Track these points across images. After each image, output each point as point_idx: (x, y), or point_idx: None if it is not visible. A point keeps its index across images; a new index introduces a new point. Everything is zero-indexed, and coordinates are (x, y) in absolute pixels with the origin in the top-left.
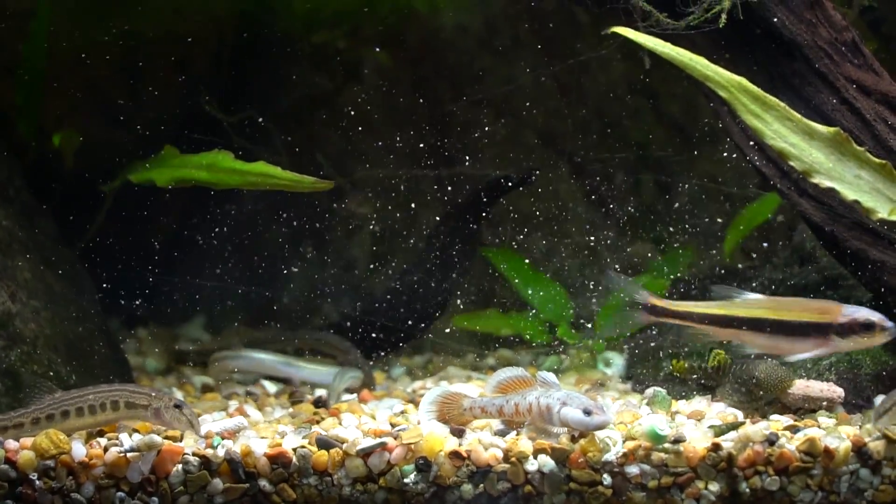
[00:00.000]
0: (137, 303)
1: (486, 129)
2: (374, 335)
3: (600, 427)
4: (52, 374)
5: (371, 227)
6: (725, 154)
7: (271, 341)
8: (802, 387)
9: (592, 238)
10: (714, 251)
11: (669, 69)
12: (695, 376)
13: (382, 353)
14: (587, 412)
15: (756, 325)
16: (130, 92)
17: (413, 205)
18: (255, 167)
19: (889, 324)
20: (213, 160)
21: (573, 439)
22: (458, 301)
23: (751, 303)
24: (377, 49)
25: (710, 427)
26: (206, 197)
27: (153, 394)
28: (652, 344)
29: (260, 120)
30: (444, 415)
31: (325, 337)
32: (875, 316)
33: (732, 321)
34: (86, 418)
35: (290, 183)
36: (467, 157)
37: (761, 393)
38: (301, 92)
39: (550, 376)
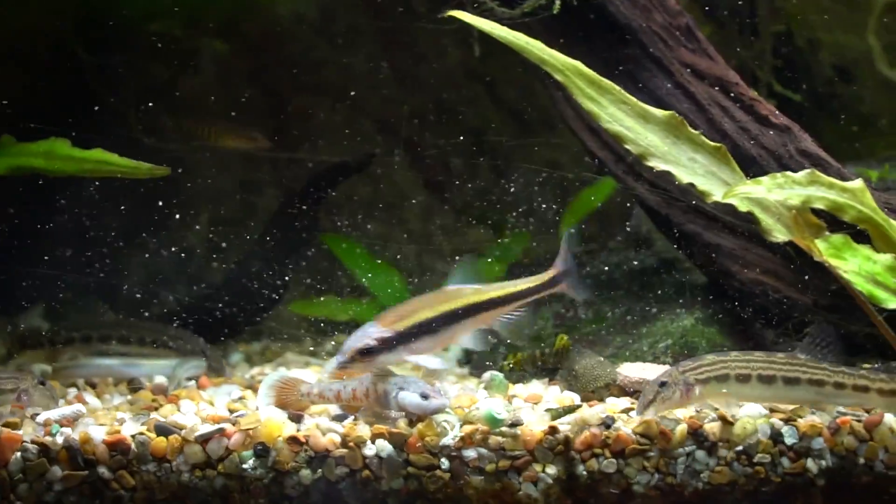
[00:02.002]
0: None
1: (323, 116)
2: (211, 322)
3: (437, 411)
4: None
5: (209, 213)
6: (561, 139)
7: (113, 329)
8: (639, 370)
9: (430, 224)
10: (551, 236)
11: (505, 54)
12: (538, 364)
13: (220, 340)
14: (424, 396)
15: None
16: None
17: (251, 191)
18: (91, 154)
19: None
20: (49, 148)
21: (411, 423)
22: (297, 287)
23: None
24: (214, 38)
25: (547, 410)
26: (45, 185)
27: (17, 376)
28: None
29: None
30: (282, 400)
31: (166, 331)
32: None
33: None
34: None
35: (127, 169)
36: (305, 144)
37: (581, 384)
38: (140, 81)
39: (386, 369)
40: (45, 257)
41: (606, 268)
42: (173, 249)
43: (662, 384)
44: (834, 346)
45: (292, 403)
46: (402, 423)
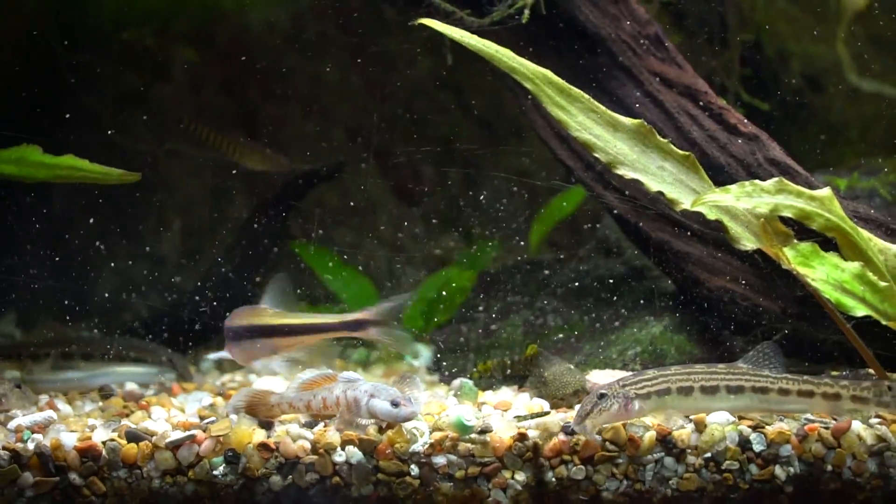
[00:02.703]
0: None
1: (293, 124)
2: (182, 329)
3: (408, 418)
4: None
5: (180, 220)
6: (531, 147)
7: (82, 345)
8: (608, 377)
9: (400, 232)
10: (521, 244)
11: (475, 63)
12: (508, 371)
13: (191, 347)
14: (395, 404)
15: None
16: None
17: (221, 198)
18: (63, 160)
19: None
20: (21, 154)
21: (381, 430)
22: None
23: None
24: (186, 46)
25: (516, 417)
26: (16, 191)
27: None
28: (460, 338)
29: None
30: (252, 409)
31: (133, 344)
32: None
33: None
34: None
35: (98, 175)
36: (276, 152)
37: (550, 391)
38: (111, 89)
39: (353, 375)
40: (18, 264)
41: (576, 276)
42: (144, 256)
43: (601, 396)
44: (776, 360)
45: (262, 412)
46: (372, 429)
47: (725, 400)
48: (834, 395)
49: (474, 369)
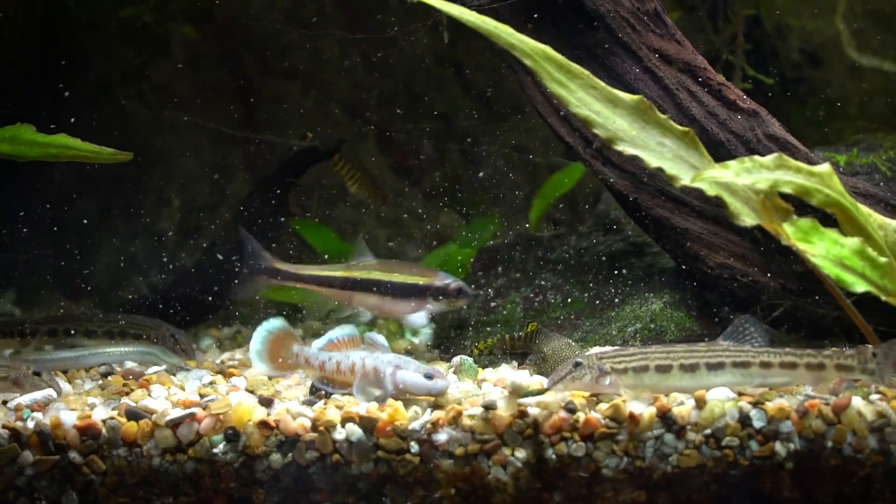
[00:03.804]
0: None
1: (293, 101)
2: (181, 306)
3: (442, 392)
4: None
5: (181, 199)
6: (530, 123)
7: (81, 322)
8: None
9: (399, 208)
10: (521, 220)
11: (474, 39)
12: (507, 349)
13: (191, 324)
14: (429, 376)
15: (365, 286)
16: None
17: (221, 175)
18: (55, 139)
19: (471, 291)
20: (14, 133)
21: (381, 408)
22: None
23: (365, 265)
24: (184, 23)
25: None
26: (13, 170)
27: (9, 364)
28: (460, 315)
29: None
30: (275, 352)
31: (134, 319)
32: (462, 283)
33: (346, 283)
34: None
35: (90, 154)
36: (275, 129)
37: (549, 366)
38: (110, 66)
39: (379, 338)
40: (17, 242)
41: (575, 252)
42: (143, 233)
43: (577, 364)
44: (757, 332)
45: (283, 357)
46: (373, 406)
47: (706, 377)
48: (818, 366)
49: (474, 346)
